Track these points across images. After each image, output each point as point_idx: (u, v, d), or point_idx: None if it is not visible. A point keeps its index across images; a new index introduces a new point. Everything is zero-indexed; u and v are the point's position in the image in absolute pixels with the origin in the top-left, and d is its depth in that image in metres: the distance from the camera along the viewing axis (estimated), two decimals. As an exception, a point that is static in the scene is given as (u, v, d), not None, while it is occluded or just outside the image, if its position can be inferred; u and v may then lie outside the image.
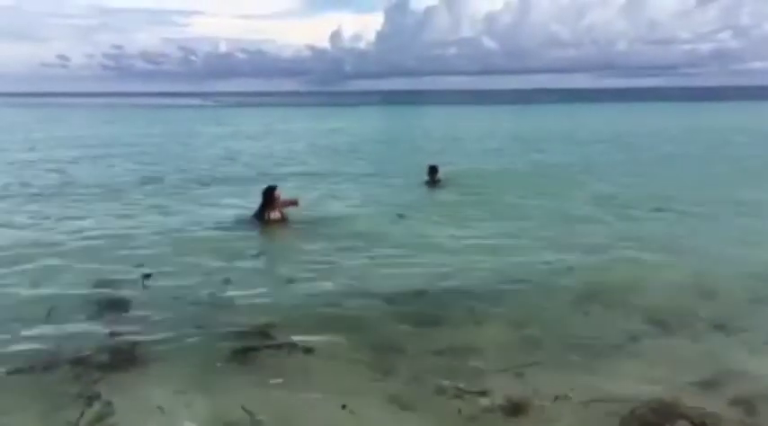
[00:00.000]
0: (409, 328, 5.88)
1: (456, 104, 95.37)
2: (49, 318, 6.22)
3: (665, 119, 47.08)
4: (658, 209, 11.45)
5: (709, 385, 4.72)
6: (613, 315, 6.21)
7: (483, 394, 4.58)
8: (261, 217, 10.25)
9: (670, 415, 4.25)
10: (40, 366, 5.12)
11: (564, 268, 7.75)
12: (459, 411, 4.37)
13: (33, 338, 5.73)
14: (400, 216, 10.58)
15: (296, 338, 5.61)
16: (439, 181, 14.62)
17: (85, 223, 10.87)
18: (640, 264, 7.98)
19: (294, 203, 10.32)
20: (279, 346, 5.46)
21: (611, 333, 5.73)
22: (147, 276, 7.56)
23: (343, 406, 4.44)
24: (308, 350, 5.37)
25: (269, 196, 10.25)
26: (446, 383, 4.73)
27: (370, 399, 4.55)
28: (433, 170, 14.80)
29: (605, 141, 27.41)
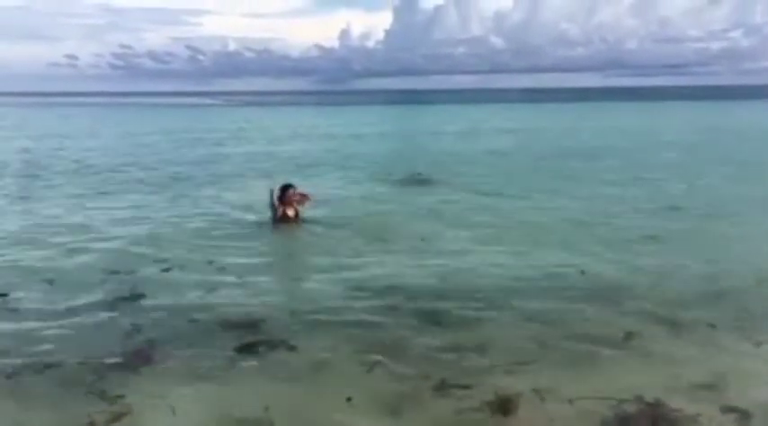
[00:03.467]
0: (412, 326, 5.93)
1: (464, 103, 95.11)
2: (65, 314, 6.32)
3: (675, 119, 46.87)
4: (669, 209, 11.39)
5: (705, 388, 4.66)
6: (618, 314, 6.18)
7: (477, 390, 4.60)
8: (275, 214, 10.21)
9: (653, 417, 4.23)
10: (58, 363, 5.19)
11: (568, 266, 7.73)
12: (453, 407, 4.41)
13: (51, 334, 5.82)
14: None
15: (303, 335, 5.72)
16: (424, 178, 14.88)
17: (100, 217, 11.17)
18: (649, 264, 7.92)
19: (308, 199, 10.29)
20: (286, 343, 5.54)
21: (612, 333, 5.71)
22: (167, 270, 7.78)
23: (348, 399, 4.53)
24: (314, 347, 5.45)
25: (284, 193, 10.22)
26: (443, 379, 4.78)
27: (373, 394, 4.62)
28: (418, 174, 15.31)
29: (613, 141, 27.25)
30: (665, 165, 18.20)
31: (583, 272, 7.43)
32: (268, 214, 10.29)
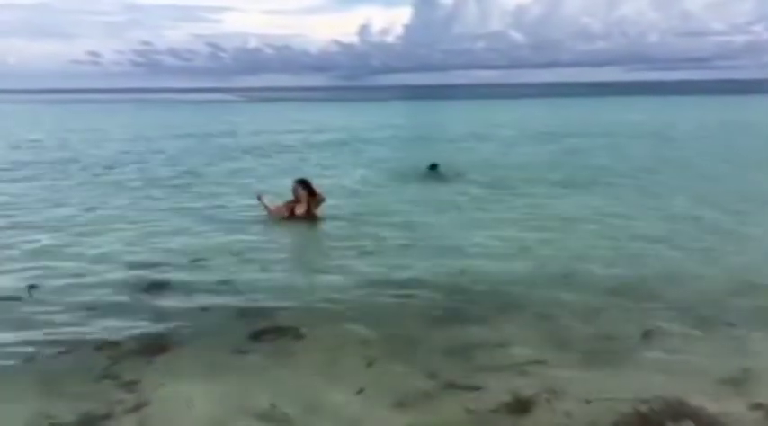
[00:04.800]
0: (426, 321, 5.89)
1: (484, 99, 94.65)
2: (87, 304, 6.43)
3: (697, 113, 46.23)
4: (692, 205, 11.18)
5: (728, 385, 4.55)
6: (638, 312, 6.06)
7: (491, 388, 4.55)
8: (289, 209, 10.20)
9: (675, 414, 4.13)
10: (75, 349, 5.30)
11: (588, 264, 7.60)
12: (466, 404, 4.36)
13: (74, 323, 5.93)
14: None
15: (317, 328, 5.74)
16: (441, 173, 14.80)
17: (125, 209, 11.43)
18: (674, 261, 7.77)
19: (321, 199, 10.22)
20: (300, 335, 5.58)
21: (632, 331, 5.60)
22: (196, 260, 7.98)
23: (360, 390, 4.55)
24: (327, 340, 5.47)
25: (299, 189, 10.17)
26: (456, 375, 4.74)
27: (384, 388, 4.60)
28: (433, 168, 15.14)
29: (634, 135, 26.92)
30: (687, 161, 17.86)
31: (596, 265, 7.34)
32: (283, 210, 10.25)
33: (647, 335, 5.49)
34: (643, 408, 4.22)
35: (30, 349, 5.32)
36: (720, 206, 11.06)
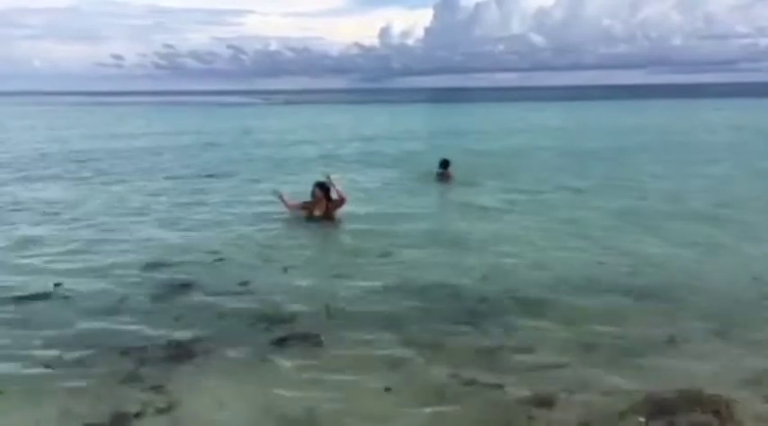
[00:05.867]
0: (450, 327, 5.88)
1: (504, 101, 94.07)
2: (112, 305, 6.51)
3: (721, 116, 45.65)
4: (718, 208, 11.14)
5: (748, 382, 4.62)
6: (663, 313, 6.10)
7: (512, 386, 4.62)
8: (307, 210, 10.40)
9: (686, 403, 4.24)
10: (100, 352, 5.33)
11: (613, 266, 7.66)
12: (489, 400, 4.45)
13: (99, 326, 5.97)
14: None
15: (340, 330, 5.77)
16: (450, 177, 14.45)
17: (146, 210, 11.64)
18: (698, 264, 7.79)
19: (342, 201, 10.35)
20: (324, 337, 5.59)
21: (656, 332, 5.63)
22: (218, 260, 8.06)
23: (387, 389, 4.64)
24: (351, 342, 5.51)
25: (317, 192, 10.35)
26: (479, 374, 4.80)
27: (410, 388, 4.67)
28: (445, 164, 14.64)
29: (657, 139, 26.73)
30: (705, 166, 17.70)
31: (620, 268, 7.35)
32: (303, 212, 10.44)
33: (671, 339, 5.50)
34: (659, 399, 4.31)
35: (56, 352, 5.34)
36: (742, 210, 11.04)
